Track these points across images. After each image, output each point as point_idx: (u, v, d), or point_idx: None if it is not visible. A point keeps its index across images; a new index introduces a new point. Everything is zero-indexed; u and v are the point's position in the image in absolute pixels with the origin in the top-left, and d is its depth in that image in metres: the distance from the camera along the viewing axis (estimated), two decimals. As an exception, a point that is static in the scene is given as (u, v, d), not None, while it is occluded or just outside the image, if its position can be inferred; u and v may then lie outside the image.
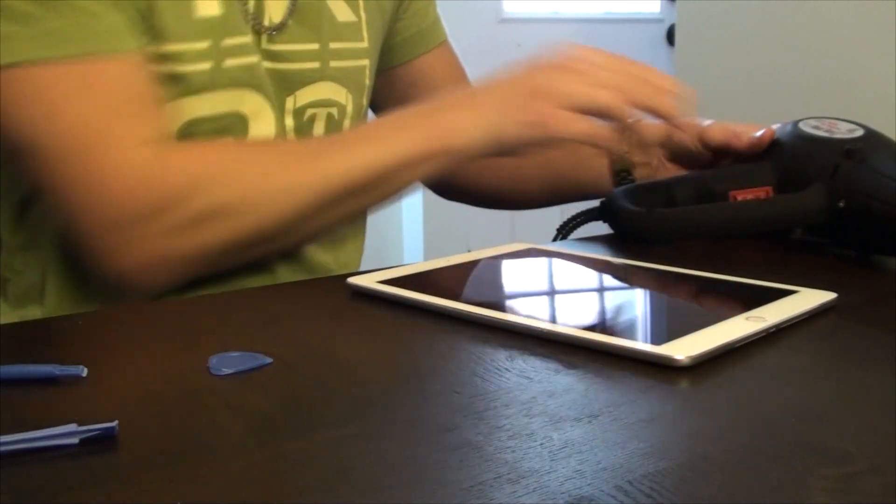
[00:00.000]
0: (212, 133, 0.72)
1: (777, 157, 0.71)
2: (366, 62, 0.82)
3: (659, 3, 3.15)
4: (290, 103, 0.76)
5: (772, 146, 0.73)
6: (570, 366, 0.44)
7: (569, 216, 0.77)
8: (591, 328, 0.49)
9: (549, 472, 0.32)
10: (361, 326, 0.53)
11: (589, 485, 0.31)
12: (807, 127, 0.71)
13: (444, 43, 0.94)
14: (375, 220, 0.88)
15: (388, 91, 0.90)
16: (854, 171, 0.65)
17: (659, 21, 3.16)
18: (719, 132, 0.77)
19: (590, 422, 0.37)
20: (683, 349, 0.43)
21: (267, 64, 0.74)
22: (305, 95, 0.77)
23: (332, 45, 0.77)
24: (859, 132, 0.68)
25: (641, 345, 0.45)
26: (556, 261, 0.65)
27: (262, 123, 0.74)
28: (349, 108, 0.81)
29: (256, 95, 0.73)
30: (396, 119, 0.69)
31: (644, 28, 3.15)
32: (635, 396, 0.40)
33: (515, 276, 0.62)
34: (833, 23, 1.89)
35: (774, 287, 0.55)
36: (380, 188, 0.68)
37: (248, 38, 0.72)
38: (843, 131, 0.69)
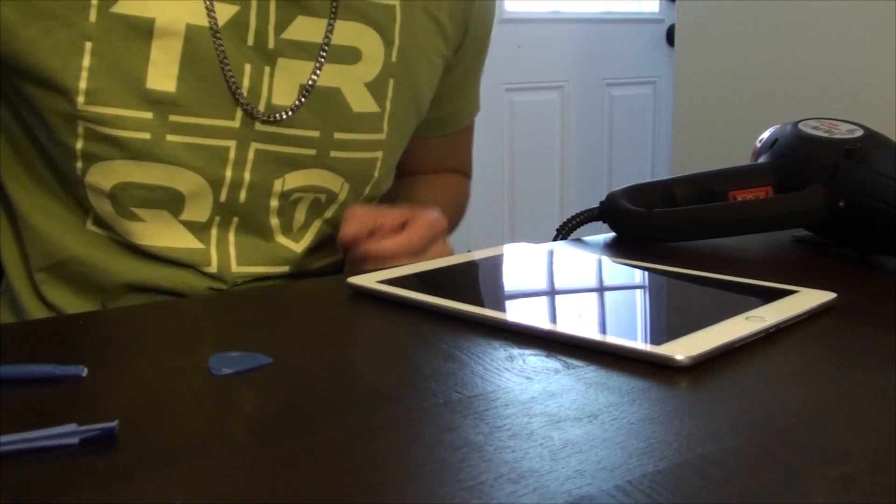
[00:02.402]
0: (144, 201, 0.71)
1: (777, 157, 0.71)
2: (378, 154, 0.80)
3: (659, 2, 3.15)
4: (277, 185, 0.75)
5: (772, 146, 0.73)
6: (570, 366, 0.44)
7: (569, 216, 0.77)
8: (590, 328, 0.49)
9: (549, 472, 0.32)
10: (361, 326, 0.53)
11: (589, 485, 0.31)
12: (806, 127, 0.71)
13: (463, 128, 0.94)
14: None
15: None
16: (854, 171, 0.65)
17: (659, 21, 3.17)
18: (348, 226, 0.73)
19: (590, 422, 0.37)
20: (683, 349, 0.43)
21: (258, 145, 0.73)
22: (295, 180, 0.76)
23: (338, 136, 0.76)
24: (859, 132, 0.68)
25: (641, 345, 0.45)
26: (555, 261, 0.65)
27: (198, 206, 0.73)
28: (341, 196, 0.79)
29: (197, 178, 0.71)
30: None
31: (644, 28, 3.16)
32: (635, 396, 0.40)
33: (515, 276, 0.62)
34: (833, 23, 1.89)
35: (774, 287, 0.55)
36: None
37: (229, 122, 0.71)
38: (843, 132, 0.69)
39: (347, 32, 0.75)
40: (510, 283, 0.61)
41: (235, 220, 0.75)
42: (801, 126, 0.71)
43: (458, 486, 0.32)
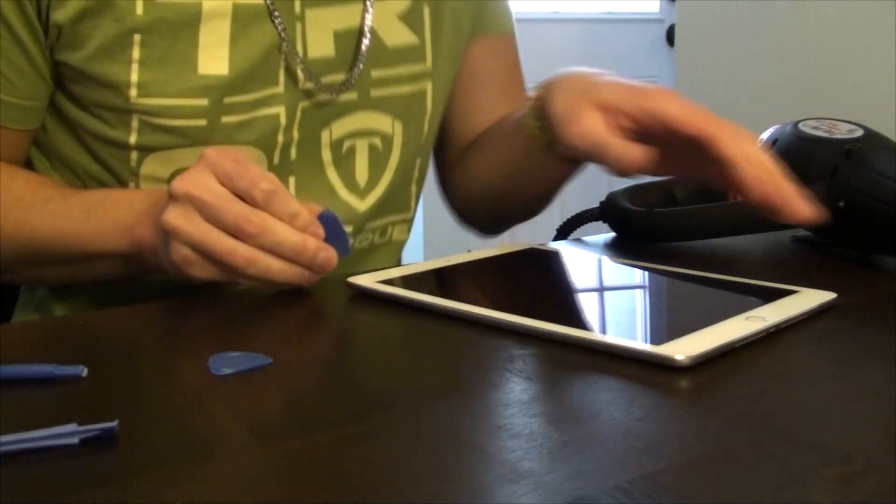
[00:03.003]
0: None
1: (777, 157, 0.71)
2: (426, 86, 0.78)
3: (659, 2, 3.15)
4: (325, 137, 0.74)
5: (772, 146, 0.73)
6: (570, 366, 0.44)
7: (569, 216, 0.77)
8: (590, 328, 0.49)
9: (549, 472, 0.32)
10: (361, 326, 0.53)
11: (589, 485, 0.31)
12: (806, 127, 0.71)
13: (502, 36, 0.90)
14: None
15: None
16: (854, 171, 0.65)
17: (659, 21, 3.16)
18: (578, 139, 0.65)
19: (590, 422, 0.37)
20: (683, 349, 0.43)
21: (304, 103, 0.72)
22: (342, 126, 0.75)
23: (375, 74, 0.75)
24: (859, 132, 0.68)
25: (641, 345, 0.45)
26: (555, 261, 0.65)
27: None
28: (397, 138, 0.78)
29: (251, 150, 0.71)
30: (106, 210, 0.66)
31: (644, 28, 3.16)
32: (635, 396, 0.40)
33: (515, 276, 0.62)
34: (833, 23, 1.89)
35: (774, 287, 0.55)
36: (65, 267, 0.68)
37: (275, 89, 0.71)
38: (843, 132, 0.69)
39: None
40: (510, 282, 0.61)
41: (292, 179, 0.74)
42: (801, 126, 0.71)
43: (458, 486, 0.32)
